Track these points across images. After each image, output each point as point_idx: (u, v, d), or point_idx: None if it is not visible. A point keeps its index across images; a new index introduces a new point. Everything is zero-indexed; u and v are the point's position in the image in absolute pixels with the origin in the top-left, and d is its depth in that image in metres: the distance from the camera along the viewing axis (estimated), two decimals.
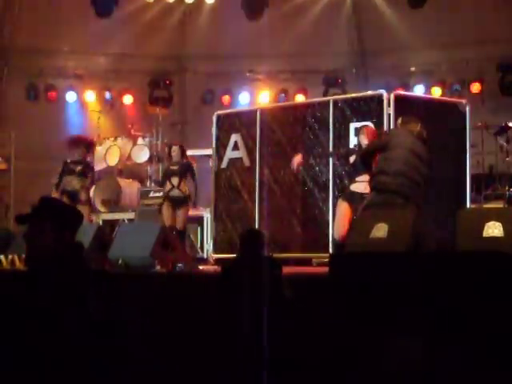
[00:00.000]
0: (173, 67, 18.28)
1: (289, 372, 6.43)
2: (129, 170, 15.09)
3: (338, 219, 9.88)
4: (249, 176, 11.65)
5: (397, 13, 16.70)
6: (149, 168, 15.00)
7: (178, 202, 12.06)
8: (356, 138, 10.26)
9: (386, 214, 7.66)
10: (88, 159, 12.97)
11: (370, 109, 10.52)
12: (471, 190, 11.06)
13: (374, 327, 5.93)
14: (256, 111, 11.90)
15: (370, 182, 8.76)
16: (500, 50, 15.71)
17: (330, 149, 10.74)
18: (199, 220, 13.59)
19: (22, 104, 17.46)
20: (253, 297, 6.56)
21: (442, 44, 16.04)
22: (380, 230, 7.09)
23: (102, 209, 13.96)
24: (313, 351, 6.45)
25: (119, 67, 17.62)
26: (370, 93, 11.03)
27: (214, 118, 12.17)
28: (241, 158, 11.77)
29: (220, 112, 12.64)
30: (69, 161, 12.62)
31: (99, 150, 14.82)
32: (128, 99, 17.94)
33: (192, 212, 13.34)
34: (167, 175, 12.35)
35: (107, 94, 17.86)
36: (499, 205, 12.19)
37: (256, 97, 17.49)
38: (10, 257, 10.01)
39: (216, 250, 11.88)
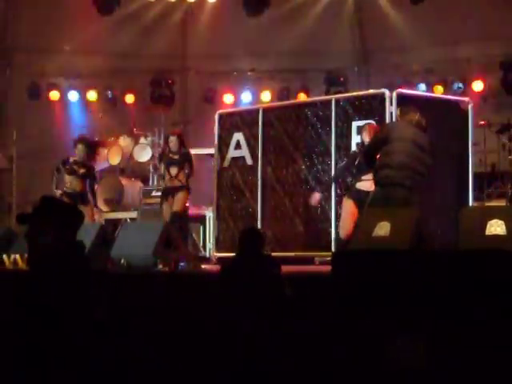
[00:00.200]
0: (175, 66, 18.27)
1: (290, 370, 6.43)
2: (131, 169, 15.09)
3: (344, 218, 9.86)
4: (251, 175, 11.65)
5: (399, 11, 16.67)
6: (151, 167, 15.00)
7: (175, 190, 11.97)
8: (359, 137, 10.25)
9: (388, 212, 7.65)
10: (91, 163, 12.80)
11: (372, 107, 10.51)
12: (474, 189, 11.05)
13: (376, 325, 5.93)
14: (258, 110, 11.90)
15: (374, 177, 8.76)
16: (502, 48, 15.69)
17: (332, 173, 10.74)
18: (202, 219, 13.60)
19: (24, 103, 17.45)
20: (252, 295, 6.55)
21: (444, 42, 16.01)
22: (383, 229, 7.09)
23: (104, 208, 13.96)
24: (314, 349, 6.44)
25: (121, 66, 17.60)
26: (372, 91, 11.02)
27: (216, 117, 12.17)
28: (243, 157, 11.77)
29: (222, 111, 12.64)
30: (71, 160, 12.49)
31: (101, 149, 14.80)
32: (130, 98, 17.92)
33: (194, 211, 13.36)
34: (167, 165, 12.25)
35: (109, 93, 17.85)
36: (502, 203, 12.19)
37: (258, 95, 17.47)
38: (12, 256, 10.01)
39: (218, 248, 11.88)
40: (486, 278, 5.87)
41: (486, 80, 15.90)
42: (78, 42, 16.94)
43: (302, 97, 16.84)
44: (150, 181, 14.95)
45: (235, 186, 11.83)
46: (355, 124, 10.59)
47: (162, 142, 15.07)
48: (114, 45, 17.18)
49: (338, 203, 10.56)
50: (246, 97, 17.59)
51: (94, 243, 9.65)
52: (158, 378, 7.03)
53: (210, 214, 13.22)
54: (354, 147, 10.49)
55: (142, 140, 14.97)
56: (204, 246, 13.46)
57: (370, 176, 9.18)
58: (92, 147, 12.71)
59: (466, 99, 11.34)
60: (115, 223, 13.11)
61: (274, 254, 10.23)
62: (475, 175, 11.27)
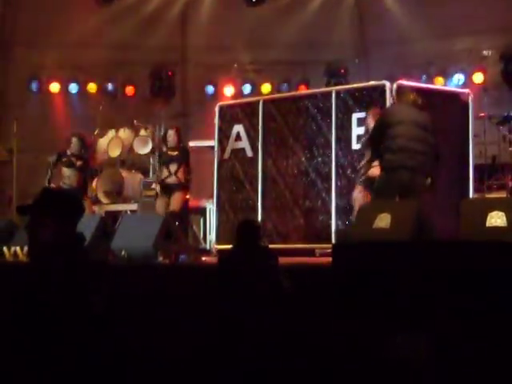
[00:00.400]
0: (175, 58, 18.23)
1: (289, 362, 6.43)
2: (131, 161, 15.07)
3: (358, 207, 9.83)
4: (251, 167, 11.65)
5: (399, 2, 16.65)
6: (151, 159, 14.98)
7: (173, 188, 11.99)
8: (360, 128, 10.27)
9: (389, 204, 7.66)
10: (85, 155, 12.92)
11: (372, 99, 10.50)
12: (474, 180, 11.05)
13: (376, 317, 5.93)
14: (258, 102, 11.89)
15: (379, 163, 8.81)
16: (503, 40, 15.66)
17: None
18: (202, 211, 13.60)
19: (24, 96, 17.44)
20: (250, 287, 6.56)
21: (443, 34, 15.98)
22: (383, 220, 7.09)
23: (104, 200, 13.95)
24: (314, 341, 6.44)
25: (121, 59, 17.57)
26: (372, 83, 11.00)
27: (217, 109, 12.17)
28: (243, 149, 11.77)
29: (222, 103, 12.63)
30: (69, 153, 12.60)
31: (101, 141, 14.81)
32: (130, 90, 17.92)
33: (195, 203, 13.36)
34: (165, 162, 12.26)
35: (109, 86, 17.85)
36: (502, 195, 12.19)
37: (258, 87, 17.46)
38: (12, 249, 10.01)
39: (219, 240, 11.87)
40: (486, 269, 5.87)
41: (487, 72, 15.88)
42: (78, 35, 16.90)
43: (303, 89, 16.82)
44: (151, 173, 14.93)
45: (235, 178, 11.83)
46: (355, 116, 10.59)
47: (161, 134, 15.04)
48: (113, 37, 17.14)
49: (338, 195, 10.57)
50: (247, 89, 17.58)
51: (94, 235, 9.67)
52: (158, 371, 7.03)
53: (210, 206, 13.22)
54: (354, 139, 10.50)
55: (142, 132, 14.95)
56: (204, 238, 13.46)
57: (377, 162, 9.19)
58: (86, 141, 12.85)
59: (467, 91, 11.33)
60: (115, 215, 13.11)
61: (274, 245, 10.26)
62: (475, 167, 11.27)
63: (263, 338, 6.25)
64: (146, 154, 14.83)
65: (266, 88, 17.38)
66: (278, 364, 6.16)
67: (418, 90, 10.59)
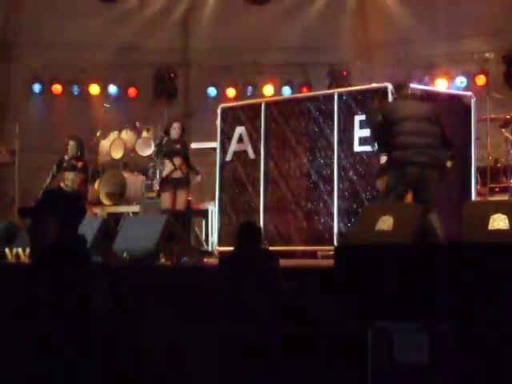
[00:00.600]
0: (177, 60, 18.24)
1: (290, 361, 6.43)
2: (133, 163, 15.07)
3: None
4: (253, 169, 11.65)
5: (402, 5, 16.65)
6: (153, 161, 14.97)
7: (179, 183, 11.95)
8: (362, 131, 10.28)
9: (391, 206, 7.65)
10: (83, 157, 12.96)
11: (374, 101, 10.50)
12: (476, 183, 11.04)
13: (377, 319, 5.92)
14: (260, 104, 11.88)
15: (388, 159, 8.85)
16: (505, 43, 15.67)
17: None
18: (204, 213, 13.60)
19: (26, 97, 17.46)
20: (250, 289, 6.55)
21: (446, 36, 15.98)
22: (385, 223, 7.08)
23: (106, 202, 13.95)
24: (316, 342, 6.44)
25: (124, 60, 17.59)
26: (374, 85, 11.00)
27: (219, 111, 12.17)
28: (245, 151, 11.77)
29: (225, 105, 12.62)
30: (67, 158, 12.67)
31: (104, 143, 14.82)
32: (133, 92, 17.94)
33: (197, 205, 13.36)
34: (168, 154, 12.16)
35: (112, 87, 17.86)
36: (505, 197, 12.17)
37: (260, 90, 17.47)
38: (14, 250, 10.01)
39: (221, 242, 11.87)
40: (488, 272, 5.87)
41: (489, 74, 15.87)
42: (80, 36, 16.92)
43: (305, 91, 16.83)
44: (152, 174, 14.92)
45: (237, 180, 11.83)
46: (358, 118, 10.59)
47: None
48: (116, 39, 17.17)
49: (340, 197, 10.57)
50: (249, 91, 17.59)
51: (96, 237, 9.66)
52: (160, 371, 7.04)
53: (212, 208, 13.21)
54: (356, 142, 10.51)
55: (145, 134, 14.95)
56: (206, 240, 13.46)
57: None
58: (83, 143, 12.91)
59: (469, 93, 11.32)
60: (117, 217, 13.11)
61: (276, 248, 10.26)
62: (478, 169, 11.26)
63: (264, 339, 6.25)
64: (148, 156, 14.83)
65: (268, 90, 17.39)
66: (279, 364, 6.16)
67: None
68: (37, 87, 17.67)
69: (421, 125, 8.64)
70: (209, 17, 17.65)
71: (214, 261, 10.80)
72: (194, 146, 13.57)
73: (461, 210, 7.10)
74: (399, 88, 9.12)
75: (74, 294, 3.89)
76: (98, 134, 14.95)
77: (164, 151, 12.24)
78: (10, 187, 16.10)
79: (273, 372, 6.18)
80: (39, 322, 3.89)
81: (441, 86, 15.76)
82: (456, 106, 10.86)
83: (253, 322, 6.45)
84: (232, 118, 12.02)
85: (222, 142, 12.08)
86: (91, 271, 4.03)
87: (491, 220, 6.57)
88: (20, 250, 9.91)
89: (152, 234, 9.61)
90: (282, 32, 16.84)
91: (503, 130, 13.17)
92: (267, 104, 11.84)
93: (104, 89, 17.81)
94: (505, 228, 6.50)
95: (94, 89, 17.77)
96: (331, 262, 7.09)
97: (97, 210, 13.54)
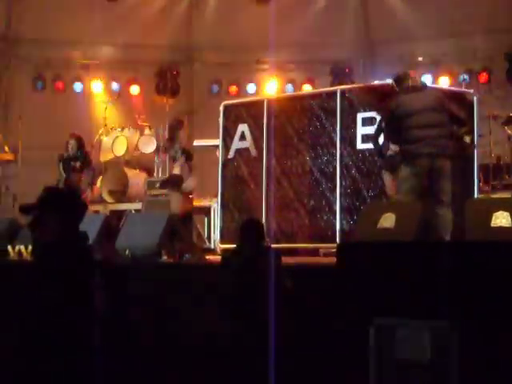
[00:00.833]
0: (180, 57, 18.24)
1: (291, 359, 6.43)
2: (136, 160, 15.07)
3: (390, 192, 9.77)
4: (256, 166, 11.63)
5: (404, 2, 16.64)
6: (156, 158, 14.98)
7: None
8: (364, 128, 10.27)
9: (394, 204, 7.65)
10: (84, 152, 13.00)
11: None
12: (479, 180, 11.03)
13: (380, 316, 5.92)
14: (263, 101, 11.87)
15: (400, 152, 8.87)
16: (508, 40, 15.65)
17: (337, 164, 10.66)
18: (206, 210, 13.59)
19: (29, 94, 17.46)
20: (252, 286, 6.55)
21: (449, 33, 15.97)
22: (388, 220, 7.08)
23: (109, 199, 13.96)
24: (318, 340, 6.45)
25: (126, 57, 17.59)
26: (377, 83, 11.00)
27: (221, 109, 12.15)
28: (248, 149, 11.75)
29: (227, 102, 12.60)
30: (65, 156, 12.73)
31: (106, 140, 14.82)
32: (135, 89, 17.94)
33: (199, 202, 13.36)
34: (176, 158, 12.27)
35: (114, 85, 17.87)
36: (507, 195, 12.16)
37: (263, 87, 17.47)
38: (17, 247, 10.03)
39: (223, 240, 11.86)
40: (491, 269, 5.86)
41: (492, 71, 15.86)
42: (83, 33, 16.92)
43: (308, 88, 16.82)
44: (155, 172, 14.92)
45: (240, 178, 11.81)
46: (360, 115, 10.57)
47: (166, 133, 15.02)
48: (119, 36, 17.17)
49: (343, 194, 10.56)
50: (251, 88, 17.59)
51: (98, 234, 9.67)
52: (160, 368, 7.04)
53: (214, 205, 13.20)
54: (359, 139, 10.49)
55: (147, 131, 14.95)
56: (209, 238, 13.45)
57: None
58: (83, 142, 12.95)
59: (472, 91, 11.31)
60: (120, 214, 13.11)
61: (278, 245, 10.26)
62: (480, 167, 11.25)
63: (266, 336, 6.25)
64: (150, 153, 14.84)
65: (270, 87, 17.38)
66: (280, 362, 6.16)
67: None
68: (39, 84, 17.68)
69: (426, 117, 8.69)
70: (211, 14, 17.65)
71: (216, 258, 10.80)
72: (196, 143, 13.57)
73: (463, 207, 7.11)
74: (400, 81, 9.11)
75: (75, 291, 3.89)
76: (100, 131, 14.96)
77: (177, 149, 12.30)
78: (12, 184, 16.11)
79: (273, 372, 6.18)
80: (42, 319, 3.89)
81: (444, 83, 15.75)
82: (459, 104, 10.84)
83: (253, 322, 6.45)
84: (234, 115, 12.00)
85: (224, 140, 12.07)
86: (92, 268, 4.03)
87: (494, 217, 6.57)
88: (22, 247, 9.93)
89: (154, 231, 9.62)
90: (285, 29, 16.81)
91: (506, 127, 13.17)
92: (269, 101, 11.83)
93: (107, 86, 17.81)
94: (507, 225, 6.50)
95: (97, 86, 17.77)
96: (333, 259, 7.09)
97: (99, 207, 13.55)
